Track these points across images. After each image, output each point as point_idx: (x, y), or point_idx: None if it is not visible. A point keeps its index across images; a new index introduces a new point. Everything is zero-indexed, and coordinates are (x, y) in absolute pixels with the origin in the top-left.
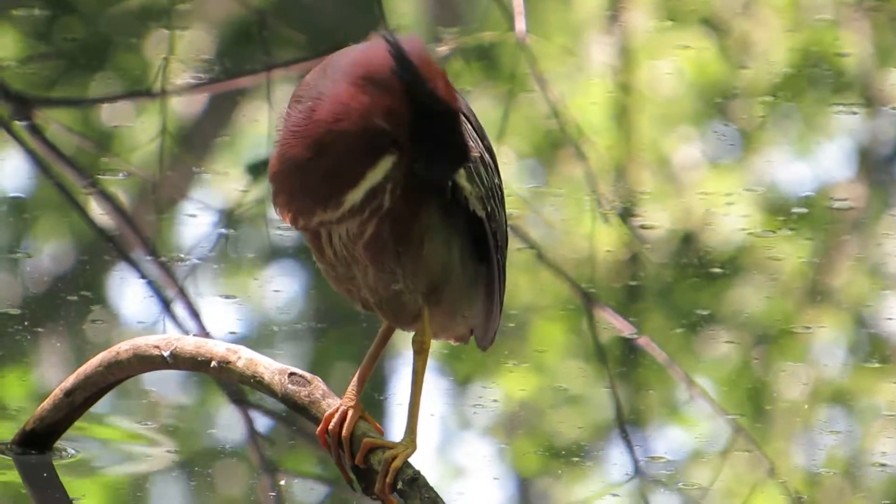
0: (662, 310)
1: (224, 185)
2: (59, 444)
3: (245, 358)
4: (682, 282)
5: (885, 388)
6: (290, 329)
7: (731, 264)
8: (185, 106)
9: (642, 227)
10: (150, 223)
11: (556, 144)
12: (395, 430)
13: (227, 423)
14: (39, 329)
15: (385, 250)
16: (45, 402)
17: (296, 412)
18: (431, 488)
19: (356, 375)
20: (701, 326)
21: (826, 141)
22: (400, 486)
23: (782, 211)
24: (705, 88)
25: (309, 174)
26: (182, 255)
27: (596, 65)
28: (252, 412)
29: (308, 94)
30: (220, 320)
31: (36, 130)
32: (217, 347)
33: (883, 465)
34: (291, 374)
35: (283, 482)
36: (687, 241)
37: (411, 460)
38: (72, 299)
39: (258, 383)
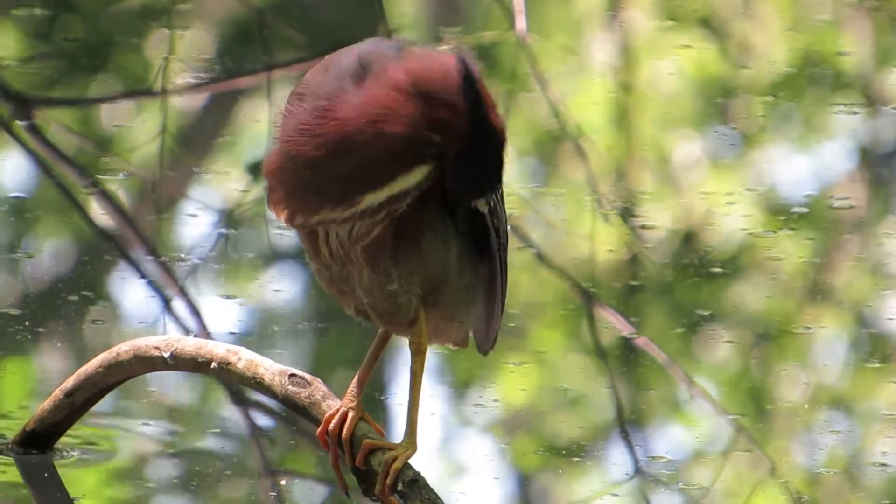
0: (663, 309)
1: (224, 184)
2: (59, 444)
3: (245, 359)
4: (683, 281)
5: (885, 388)
6: (291, 329)
7: (732, 264)
8: (186, 105)
9: (643, 226)
10: (150, 223)
11: (556, 144)
12: (396, 431)
13: (228, 424)
14: (40, 329)
15: (383, 252)
16: (46, 402)
17: (296, 413)
18: (432, 489)
19: (356, 376)
20: (701, 326)
21: (826, 140)
22: (400, 487)
23: (783, 211)
24: (706, 88)
25: (320, 172)
26: (182, 255)
27: (596, 64)
28: (252, 413)
29: (312, 92)
30: (221, 320)
31: (36, 130)
32: (217, 348)
33: (883, 464)
34: (292, 375)
35: (283, 483)
36: (687, 240)
37: (412, 461)
38: (72, 299)
39: (258, 384)
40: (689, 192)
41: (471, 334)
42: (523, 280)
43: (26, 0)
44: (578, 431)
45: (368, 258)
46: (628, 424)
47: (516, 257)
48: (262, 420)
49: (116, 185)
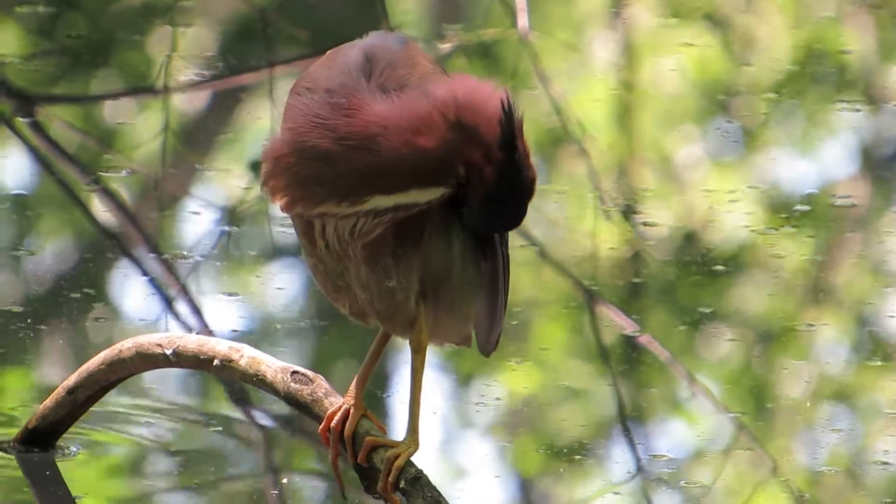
0: (665, 307)
1: (227, 182)
2: (61, 441)
3: (247, 356)
4: (685, 279)
5: (887, 386)
6: (293, 327)
7: (734, 262)
8: (188, 103)
9: (645, 224)
10: (152, 220)
11: (558, 142)
12: (398, 429)
13: (230, 422)
14: (42, 326)
15: (384, 250)
16: (48, 399)
17: (298, 411)
18: (434, 487)
19: (358, 374)
20: (703, 324)
21: (829, 138)
22: (402, 484)
23: (785, 208)
24: (708, 86)
25: (332, 165)
26: (184, 253)
27: (598, 62)
28: (255, 410)
29: (321, 86)
30: (223, 318)
31: (39, 127)
32: (220, 346)
33: (885, 463)
34: (294, 372)
35: (285, 480)
36: (689, 238)
37: (414, 459)
38: (74, 297)
39: (261, 382)
40: (692, 190)
41: (473, 334)
42: (525, 278)
43: None
44: (580, 429)
45: (368, 255)
46: (630, 422)
47: (518, 255)
48: (264, 418)
49: (119, 183)
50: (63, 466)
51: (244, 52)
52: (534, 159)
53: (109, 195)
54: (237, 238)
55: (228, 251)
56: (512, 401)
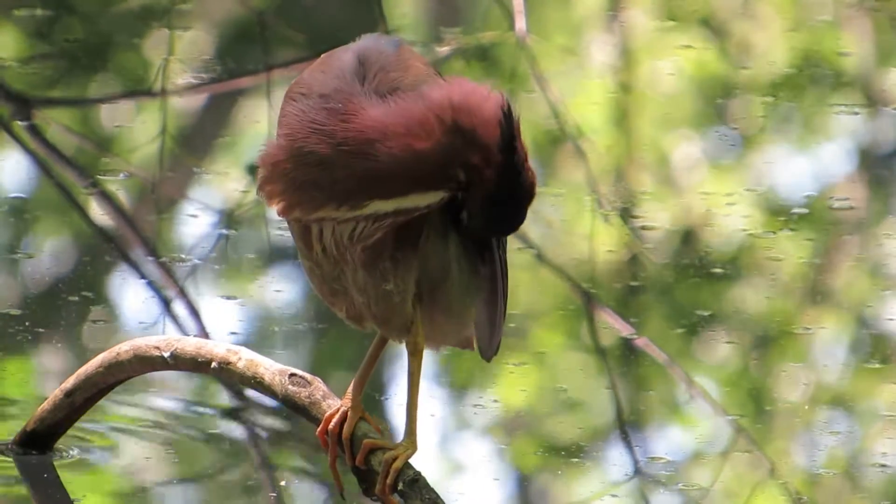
0: (663, 310)
1: (224, 185)
2: (59, 444)
3: (245, 359)
4: (683, 282)
5: (885, 388)
6: (291, 329)
7: (732, 265)
8: (186, 106)
9: (642, 227)
10: (150, 223)
11: (556, 144)
12: (396, 431)
13: (228, 425)
14: (40, 329)
15: (382, 253)
16: (46, 402)
17: (296, 413)
18: (432, 489)
19: (356, 376)
20: (701, 327)
21: (826, 141)
22: (401, 486)
23: (783, 211)
24: (706, 88)
25: (331, 170)
26: (182, 256)
27: (596, 65)
28: (252, 413)
29: (315, 91)
30: (221, 321)
31: (36, 131)
32: (217, 348)
33: (883, 465)
34: (292, 374)
35: (283, 483)
36: (687, 241)
37: (412, 461)
38: (72, 300)
39: (258, 384)
40: (689, 193)
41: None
42: (523, 281)
43: (27, 0)
44: (578, 432)
45: (366, 259)
46: (628, 425)
47: (516, 258)
48: (262, 420)
49: (116, 186)
50: (61, 469)
51: (242, 55)
52: (532, 162)
53: (107, 198)
54: (235, 241)
55: (226, 254)
56: (510, 403)
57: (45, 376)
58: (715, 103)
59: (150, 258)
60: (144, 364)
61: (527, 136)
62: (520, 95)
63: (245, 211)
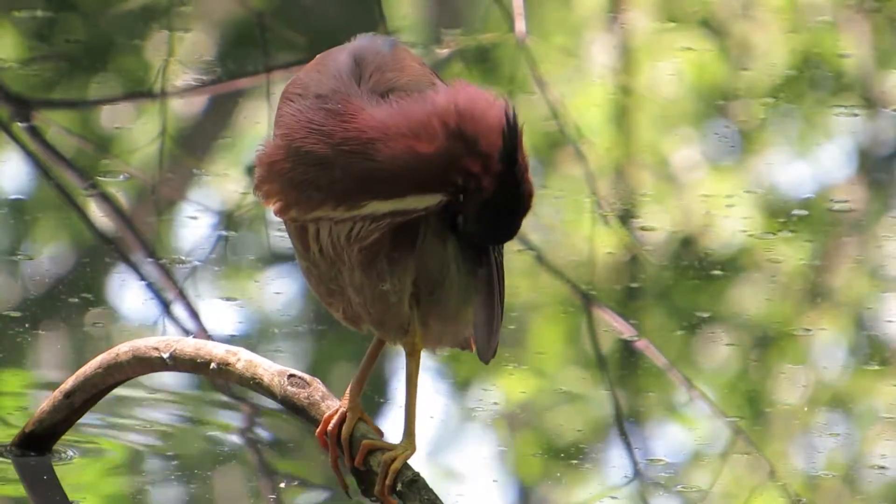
0: (662, 312)
1: (224, 186)
2: (58, 445)
3: (244, 359)
4: (682, 284)
5: (884, 390)
6: (290, 331)
7: (731, 266)
8: (186, 107)
9: (642, 228)
10: (149, 225)
11: (555, 146)
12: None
13: (227, 426)
14: (40, 331)
15: (379, 253)
16: (45, 403)
17: (295, 414)
18: (431, 490)
19: (354, 377)
20: (701, 328)
21: (826, 142)
22: (399, 487)
23: (782, 213)
24: (705, 90)
25: (329, 170)
26: (182, 257)
27: (596, 66)
28: (251, 414)
29: (312, 91)
30: (220, 322)
31: (36, 132)
32: (216, 349)
33: (882, 467)
34: (291, 375)
35: (282, 485)
36: (687, 242)
37: (410, 462)
38: (72, 301)
39: (257, 385)
40: (689, 194)
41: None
42: (523, 282)
43: (26, 2)
44: (577, 434)
45: (363, 259)
46: (627, 427)
47: (515, 259)
48: (261, 422)
49: (116, 187)
50: (60, 470)
51: (242, 56)
52: (531, 163)
53: (107, 200)
54: (234, 242)
55: (226, 256)
56: (509, 405)
57: (45, 377)
58: (715, 105)
59: (149, 260)
60: (143, 365)
61: (527, 138)
62: (519, 97)
63: (245, 212)
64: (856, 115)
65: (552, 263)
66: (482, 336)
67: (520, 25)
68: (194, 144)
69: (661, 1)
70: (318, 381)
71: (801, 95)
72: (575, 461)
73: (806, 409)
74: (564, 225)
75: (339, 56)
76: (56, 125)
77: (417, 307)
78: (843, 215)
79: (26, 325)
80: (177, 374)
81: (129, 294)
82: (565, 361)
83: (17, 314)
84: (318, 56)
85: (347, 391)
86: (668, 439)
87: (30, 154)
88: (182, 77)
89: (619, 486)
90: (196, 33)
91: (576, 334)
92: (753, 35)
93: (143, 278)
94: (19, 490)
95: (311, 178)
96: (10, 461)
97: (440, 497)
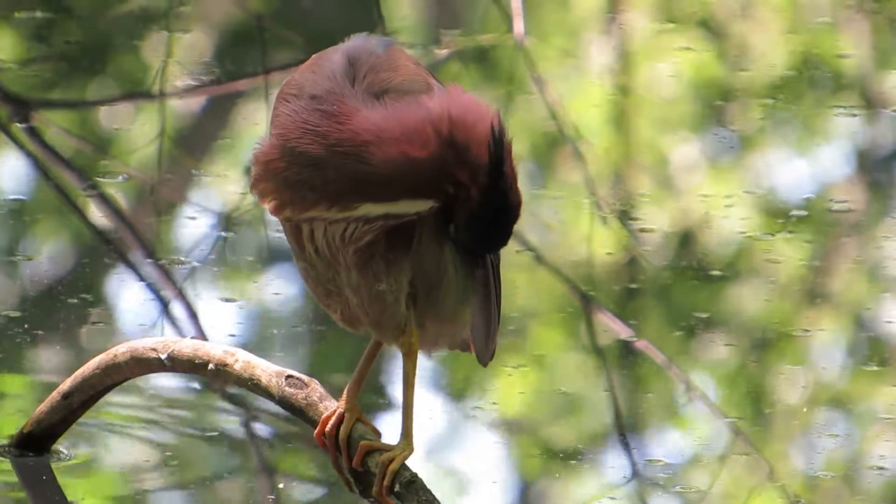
0: (661, 312)
1: (223, 187)
2: (56, 446)
3: (242, 360)
4: (681, 284)
5: (884, 391)
6: (289, 332)
7: (730, 267)
8: (184, 108)
9: (641, 229)
10: (148, 226)
11: (554, 146)
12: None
13: (225, 427)
14: (38, 331)
15: (375, 254)
16: (43, 404)
17: (293, 415)
18: (429, 490)
19: (352, 378)
20: (700, 329)
21: (825, 143)
22: (397, 488)
23: (781, 213)
24: (704, 90)
25: (323, 171)
26: (181, 258)
27: (595, 67)
28: (250, 415)
29: (306, 91)
30: (219, 323)
31: (35, 133)
32: (214, 350)
33: (881, 468)
34: (288, 376)
35: (281, 485)
36: (686, 243)
37: (408, 462)
38: (71, 302)
39: (255, 386)
40: (688, 195)
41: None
42: (521, 283)
43: (26, 3)
44: (576, 435)
45: (359, 260)
46: (626, 428)
47: (514, 260)
48: (260, 422)
49: (115, 188)
50: (58, 471)
51: (240, 57)
52: (528, 166)
53: (106, 200)
54: (233, 243)
55: (225, 256)
56: (508, 406)
57: (43, 378)
58: (713, 105)
59: (148, 260)
60: (141, 366)
61: (525, 139)
62: (518, 97)
63: (243, 213)
64: (855, 115)
65: (551, 264)
66: (480, 339)
67: (518, 26)
68: (193, 145)
69: (660, 1)
70: (316, 381)
71: (801, 96)
72: (574, 462)
73: (805, 409)
74: (563, 225)
75: (334, 56)
76: (55, 126)
77: (414, 308)
78: (842, 216)
79: (25, 326)
80: (176, 374)
81: (128, 294)
82: (564, 362)
83: (16, 314)
84: (312, 56)
85: (345, 392)
86: (668, 440)
87: (29, 155)
88: (181, 78)
89: (618, 487)
90: (195, 34)
91: (575, 335)
92: (752, 35)
93: (142, 279)
94: (17, 491)
95: (306, 178)
96: (8, 461)
97: (438, 498)
